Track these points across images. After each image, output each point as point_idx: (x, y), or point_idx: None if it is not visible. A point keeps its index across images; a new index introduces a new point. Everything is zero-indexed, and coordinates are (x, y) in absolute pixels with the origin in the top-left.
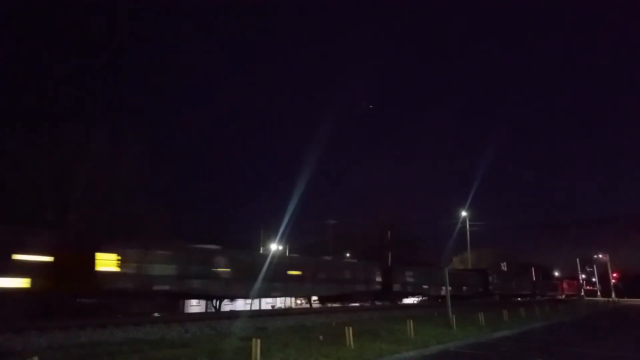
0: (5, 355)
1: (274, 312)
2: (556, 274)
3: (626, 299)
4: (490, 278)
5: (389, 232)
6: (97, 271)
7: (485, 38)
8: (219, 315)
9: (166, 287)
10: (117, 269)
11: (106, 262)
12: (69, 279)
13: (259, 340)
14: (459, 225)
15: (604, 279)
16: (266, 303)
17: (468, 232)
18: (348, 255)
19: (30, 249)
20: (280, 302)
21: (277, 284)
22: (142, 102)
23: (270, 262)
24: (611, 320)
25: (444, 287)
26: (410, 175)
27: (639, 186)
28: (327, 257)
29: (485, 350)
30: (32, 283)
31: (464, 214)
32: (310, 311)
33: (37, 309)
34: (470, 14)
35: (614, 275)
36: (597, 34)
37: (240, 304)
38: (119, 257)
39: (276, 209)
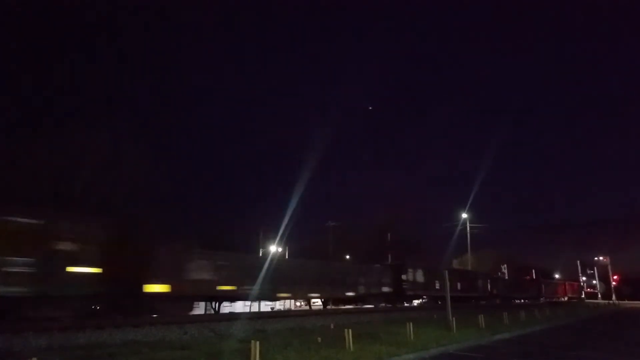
0: (4, 356)
1: (274, 314)
2: (557, 276)
3: (627, 302)
4: (491, 281)
5: (388, 234)
6: None
7: (487, 39)
8: (218, 317)
9: None
10: None
11: None
12: None
13: (258, 343)
14: (459, 227)
15: (604, 281)
16: (265, 305)
17: (468, 234)
18: (348, 257)
19: None
20: (279, 304)
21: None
22: (142, 104)
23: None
24: (612, 324)
25: (459, 289)
26: (410, 177)
27: None
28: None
29: (485, 352)
30: None
31: (464, 215)
32: (309, 313)
33: None
34: (472, 14)
35: (615, 277)
36: (600, 36)
37: (240, 306)
38: None
39: (276, 210)
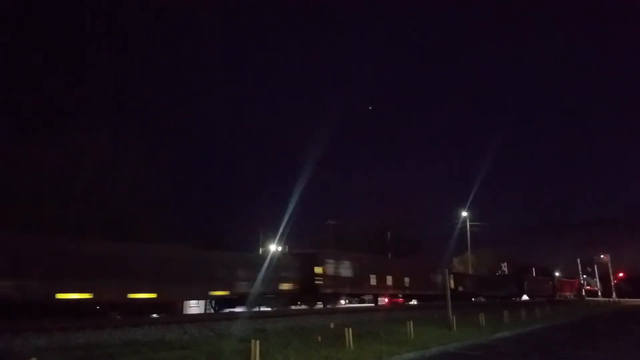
0: (4, 356)
1: (274, 314)
2: (557, 274)
3: (627, 299)
4: (455, 276)
5: (388, 234)
6: None
7: (487, 39)
8: (218, 316)
9: None
10: None
11: None
12: None
13: (258, 342)
14: (460, 225)
15: (605, 279)
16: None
17: (468, 233)
18: None
19: None
20: None
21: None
22: (142, 104)
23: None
24: (613, 322)
25: (407, 286)
26: (411, 177)
27: None
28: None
29: (485, 351)
30: None
31: (464, 214)
32: (310, 312)
33: None
34: (472, 14)
35: (620, 274)
36: (600, 36)
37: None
38: None
39: (276, 210)
